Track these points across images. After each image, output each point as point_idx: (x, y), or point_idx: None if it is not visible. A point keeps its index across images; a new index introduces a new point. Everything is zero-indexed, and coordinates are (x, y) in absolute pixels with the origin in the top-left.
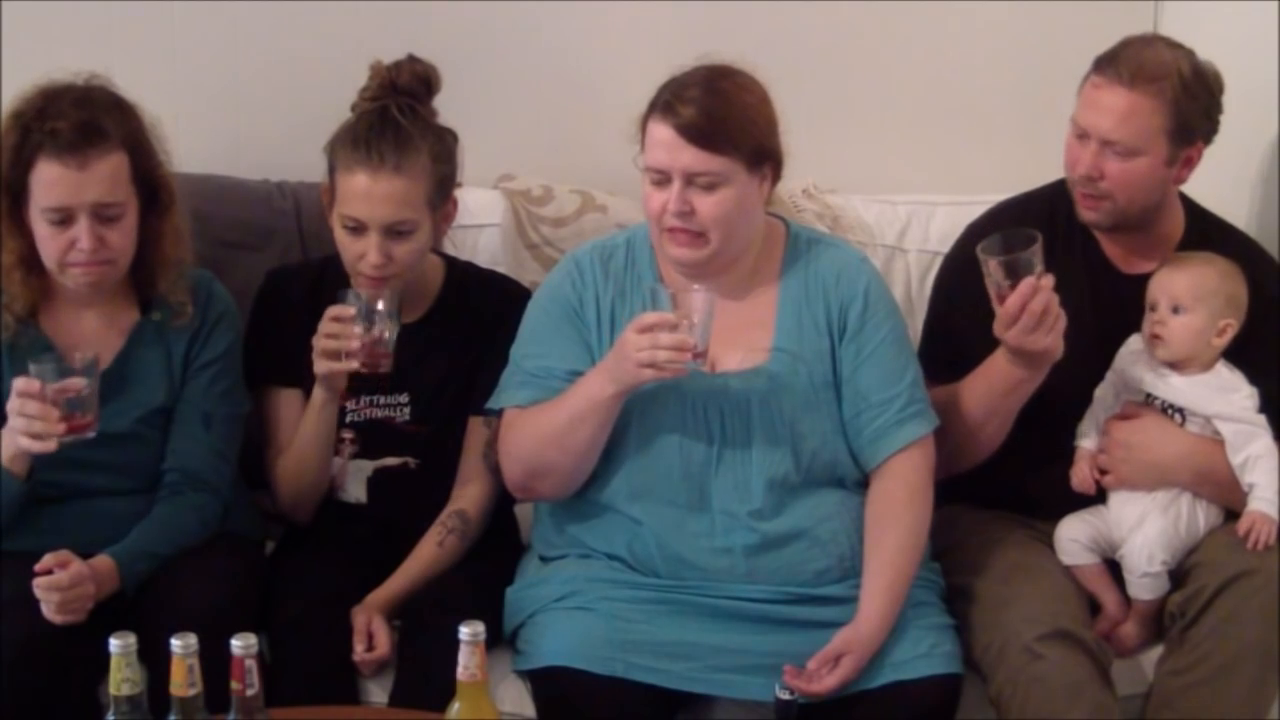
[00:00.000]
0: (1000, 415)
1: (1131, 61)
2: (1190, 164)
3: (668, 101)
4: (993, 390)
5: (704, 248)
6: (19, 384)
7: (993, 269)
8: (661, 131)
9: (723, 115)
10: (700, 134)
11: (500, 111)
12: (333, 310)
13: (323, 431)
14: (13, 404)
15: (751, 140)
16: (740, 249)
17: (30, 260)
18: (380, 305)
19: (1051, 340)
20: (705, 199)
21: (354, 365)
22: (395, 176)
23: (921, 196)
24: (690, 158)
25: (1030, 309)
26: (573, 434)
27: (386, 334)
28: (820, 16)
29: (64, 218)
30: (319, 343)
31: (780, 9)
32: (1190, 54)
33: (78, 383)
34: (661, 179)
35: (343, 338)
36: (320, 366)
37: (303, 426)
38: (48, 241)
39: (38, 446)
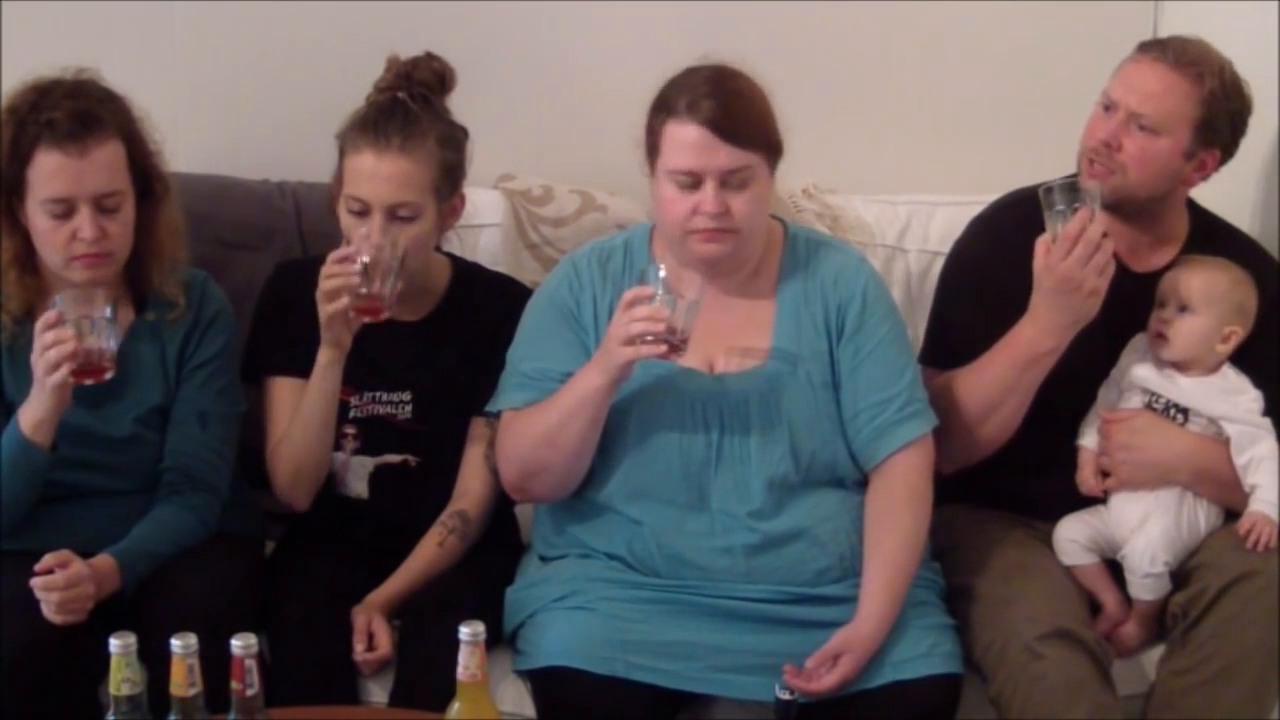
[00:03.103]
0: (1017, 395)
1: (1178, 46)
2: (1203, 169)
3: (690, 102)
4: (1014, 363)
5: (731, 243)
6: (40, 320)
7: (1055, 197)
8: (688, 132)
9: (745, 111)
10: (732, 131)
11: (500, 111)
12: (335, 254)
13: (327, 396)
14: (36, 343)
15: (771, 135)
16: (760, 244)
17: (26, 259)
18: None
19: (1100, 283)
20: (738, 197)
21: (348, 303)
22: (400, 157)
23: (921, 196)
24: (725, 156)
25: (1088, 236)
26: (564, 431)
27: (388, 284)
28: (820, 16)
29: (66, 209)
30: (321, 285)
31: (780, 9)
32: (1232, 63)
33: (90, 323)
34: (690, 181)
35: (342, 277)
36: (323, 309)
37: (307, 394)
38: (49, 235)
39: (57, 376)
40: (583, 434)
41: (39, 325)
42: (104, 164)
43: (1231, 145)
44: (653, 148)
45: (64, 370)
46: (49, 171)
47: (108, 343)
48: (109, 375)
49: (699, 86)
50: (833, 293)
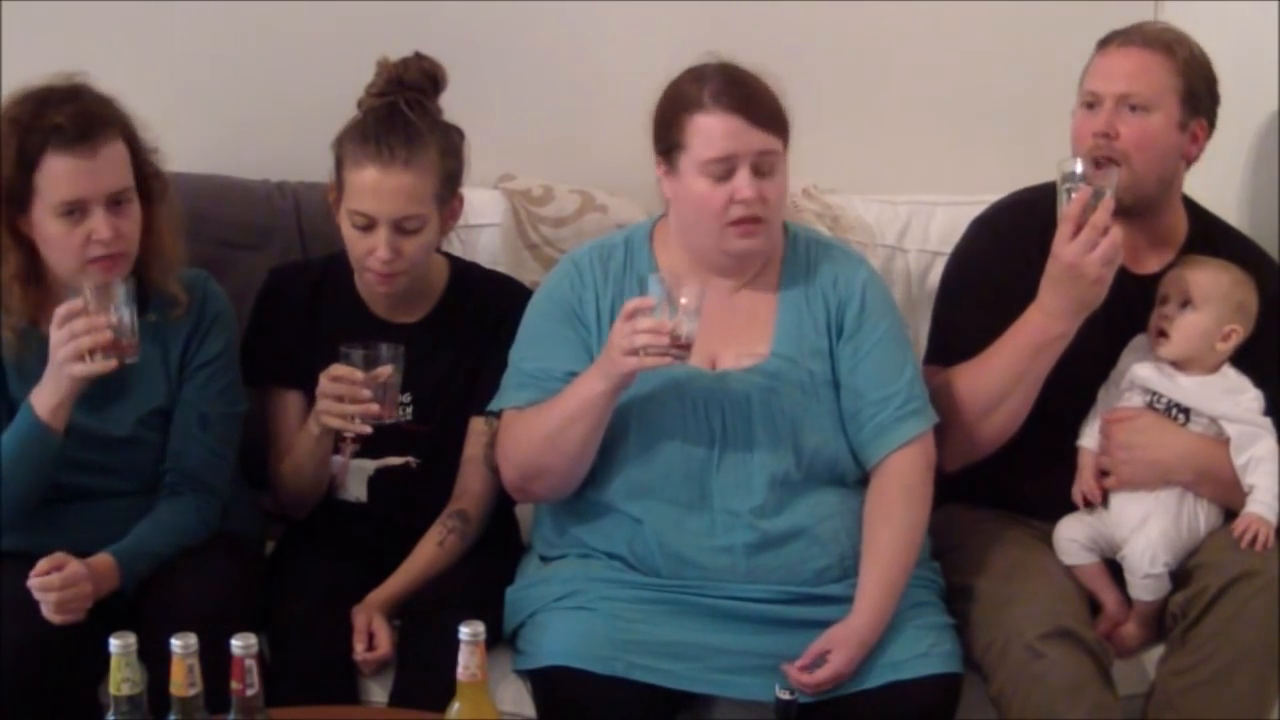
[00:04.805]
0: (1024, 385)
1: (1140, 28)
2: (1197, 141)
3: (715, 91)
4: (1021, 351)
5: (764, 234)
6: (61, 310)
7: (1071, 175)
8: (722, 122)
9: (765, 95)
10: (761, 115)
11: (500, 111)
12: (334, 370)
13: (319, 454)
14: (60, 331)
15: (786, 121)
16: (778, 237)
17: (29, 272)
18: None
19: (1106, 271)
20: (770, 184)
21: (367, 429)
22: (405, 171)
23: (921, 196)
24: (758, 139)
25: (1093, 221)
26: (565, 434)
27: (396, 401)
28: (820, 17)
29: (78, 211)
30: (324, 393)
31: (781, 9)
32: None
33: (113, 309)
34: (724, 171)
35: (349, 399)
36: (332, 423)
37: (300, 445)
38: (63, 240)
39: (81, 366)
40: (584, 438)
41: (62, 313)
42: (113, 162)
43: (1213, 114)
44: (674, 146)
45: (92, 359)
46: (61, 175)
47: (132, 328)
48: (132, 360)
49: (719, 76)
50: (833, 293)
